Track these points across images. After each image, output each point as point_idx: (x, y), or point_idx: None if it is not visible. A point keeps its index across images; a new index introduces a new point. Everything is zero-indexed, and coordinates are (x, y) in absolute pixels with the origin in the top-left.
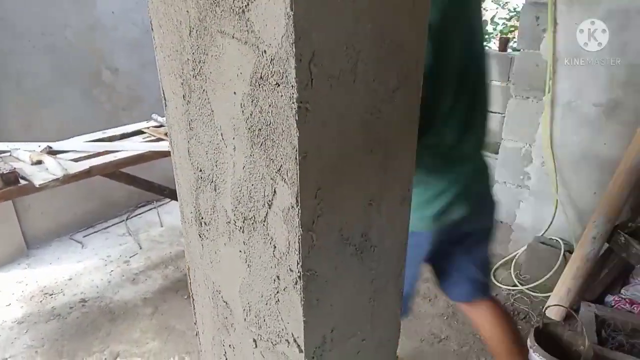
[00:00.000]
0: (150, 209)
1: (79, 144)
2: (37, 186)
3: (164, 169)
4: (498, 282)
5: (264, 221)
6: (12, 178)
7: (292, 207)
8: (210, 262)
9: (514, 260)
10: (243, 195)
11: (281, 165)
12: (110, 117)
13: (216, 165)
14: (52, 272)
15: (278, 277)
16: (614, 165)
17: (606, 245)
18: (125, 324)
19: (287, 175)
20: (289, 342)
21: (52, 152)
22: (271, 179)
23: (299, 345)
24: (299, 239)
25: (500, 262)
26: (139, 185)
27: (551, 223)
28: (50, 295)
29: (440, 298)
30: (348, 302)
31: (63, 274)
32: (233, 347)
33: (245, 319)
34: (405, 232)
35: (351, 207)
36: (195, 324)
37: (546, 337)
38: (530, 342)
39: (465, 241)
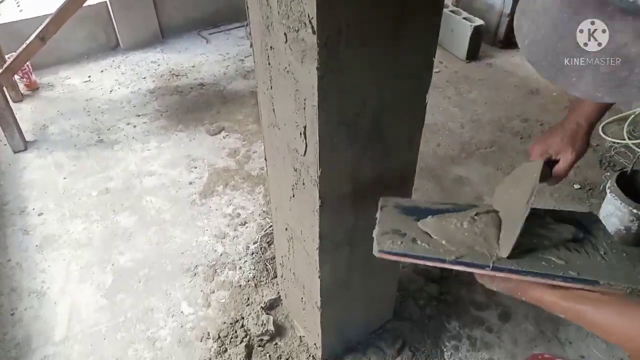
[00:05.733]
0: None
1: None
2: None
3: None
4: (605, 134)
5: None
6: None
7: None
8: None
9: (632, 117)
10: None
11: None
12: None
13: None
14: (180, 58)
15: None
16: None
17: None
18: (233, 107)
19: None
20: (305, 25)
21: None
22: None
23: (312, 27)
24: None
25: (614, 117)
26: None
27: None
28: (177, 76)
29: None
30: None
31: (188, 62)
32: (272, 48)
33: (278, 12)
34: None
35: None
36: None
37: (632, 184)
38: (610, 183)
39: None
